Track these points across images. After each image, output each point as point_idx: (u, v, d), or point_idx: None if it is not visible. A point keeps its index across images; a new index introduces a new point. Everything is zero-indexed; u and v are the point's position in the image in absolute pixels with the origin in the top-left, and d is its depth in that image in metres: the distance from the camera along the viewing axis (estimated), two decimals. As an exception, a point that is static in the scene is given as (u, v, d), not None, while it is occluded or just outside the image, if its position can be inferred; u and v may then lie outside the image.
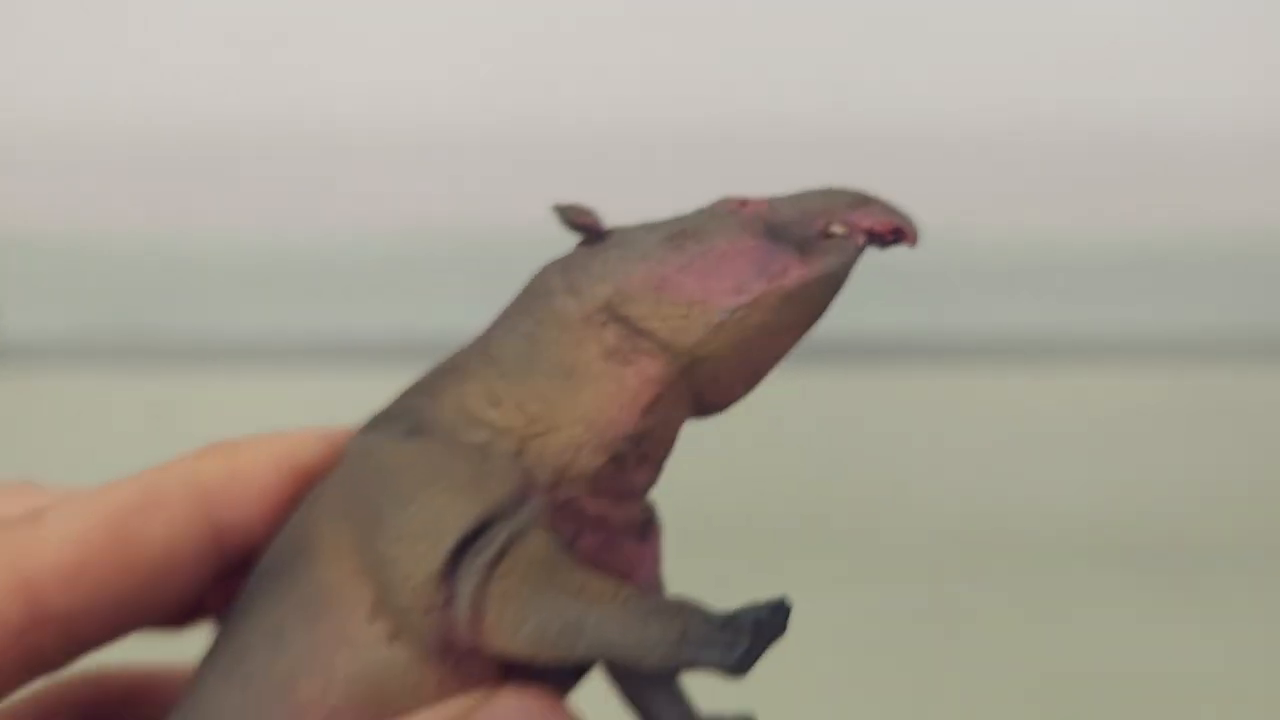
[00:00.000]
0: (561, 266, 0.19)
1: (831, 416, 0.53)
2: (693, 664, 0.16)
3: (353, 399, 0.74)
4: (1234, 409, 0.66)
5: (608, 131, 0.83)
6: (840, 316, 0.84)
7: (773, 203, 0.18)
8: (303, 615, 0.17)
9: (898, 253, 0.79)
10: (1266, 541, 0.56)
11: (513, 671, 0.17)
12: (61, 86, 0.83)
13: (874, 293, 0.83)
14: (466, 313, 0.80)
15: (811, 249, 0.18)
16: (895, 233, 0.18)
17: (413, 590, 0.17)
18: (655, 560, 0.18)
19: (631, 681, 0.19)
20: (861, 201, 0.18)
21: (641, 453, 0.18)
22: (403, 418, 0.18)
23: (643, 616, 0.16)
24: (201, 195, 0.84)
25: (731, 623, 0.16)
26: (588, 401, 0.17)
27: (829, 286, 0.18)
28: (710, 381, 0.18)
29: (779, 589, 0.49)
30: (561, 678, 0.18)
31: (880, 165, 0.83)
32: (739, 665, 0.16)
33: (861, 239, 0.18)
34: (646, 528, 0.18)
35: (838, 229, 0.18)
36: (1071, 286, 0.82)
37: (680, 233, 0.18)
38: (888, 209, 0.18)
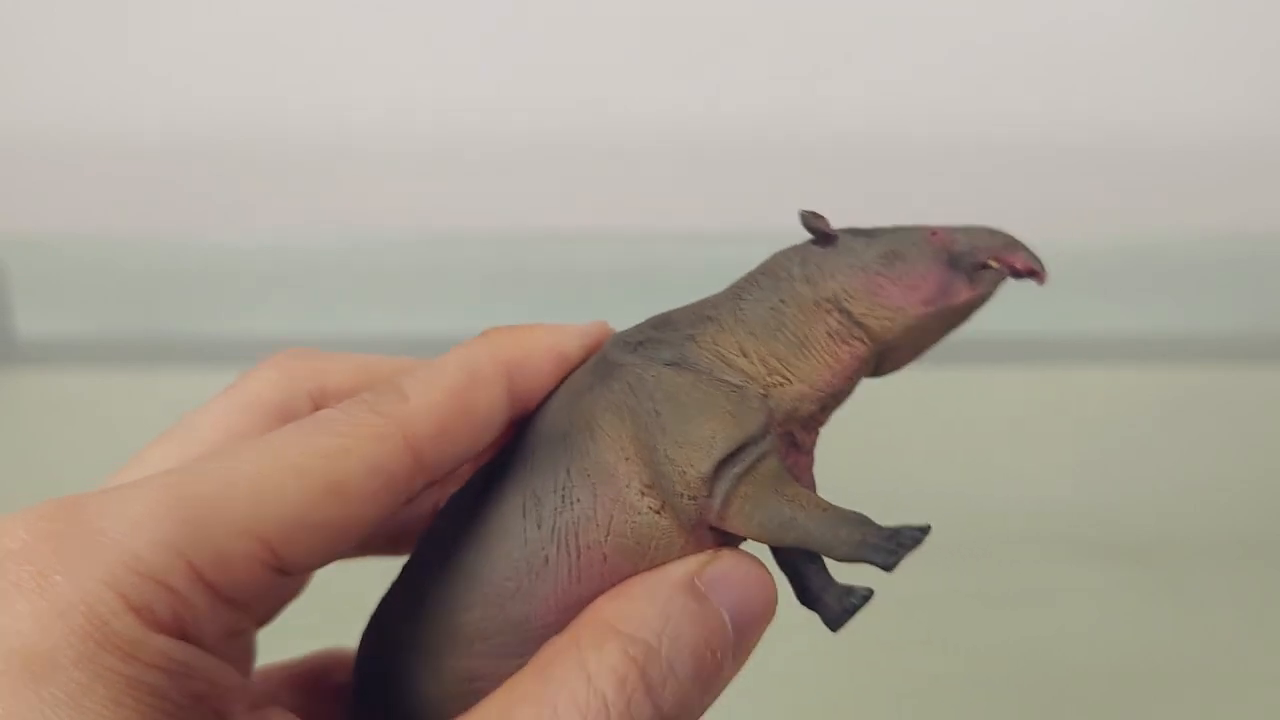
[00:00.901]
0: (800, 258, 0.25)
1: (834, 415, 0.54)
2: (863, 561, 0.22)
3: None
4: (1223, 408, 0.67)
5: (612, 133, 0.83)
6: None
7: (953, 234, 0.24)
8: (586, 481, 0.23)
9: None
10: (1250, 537, 0.57)
11: (730, 544, 0.24)
12: (77, 91, 0.83)
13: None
14: (479, 315, 0.80)
15: (974, 276, 0.24)
16: (1031, 273, 0.25)
17: (686, 482, 0.23)
18: (812, 470, 0.25)
19: (795, 559, 0.25)
20: (1013, 245, 0.25)
21: (835, 404, 0.25)
22: (664, 347, 0.24)
23: (836, 523, 0.22)
24: (217, 198, 0.85)
25: (895, 535, 0.22)
26: (813, 367, 0.24)
27: (979, 304, 0.25)
28: (889, 359, 0.25)
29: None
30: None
31: (880, 166, 0.84)
32: (892, 567, 0.22)
33: (1007, 273, 0.25)
34: (812, 449, 0.25)
35: (993, 264, 0.25)
36: (1065, 288, 0.82)
37: (891, 253, 0.24)
38: (1030, 254, 0.25)
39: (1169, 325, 0.79)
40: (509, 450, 0.25)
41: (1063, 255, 0.82)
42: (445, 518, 0.25)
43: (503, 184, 0.84)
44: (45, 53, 0.82)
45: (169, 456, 0.25)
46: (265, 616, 0.27)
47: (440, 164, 0.84)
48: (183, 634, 0.21)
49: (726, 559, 0.24)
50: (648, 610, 0.23)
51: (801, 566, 0.25)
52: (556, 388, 0.26)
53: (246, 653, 0.26)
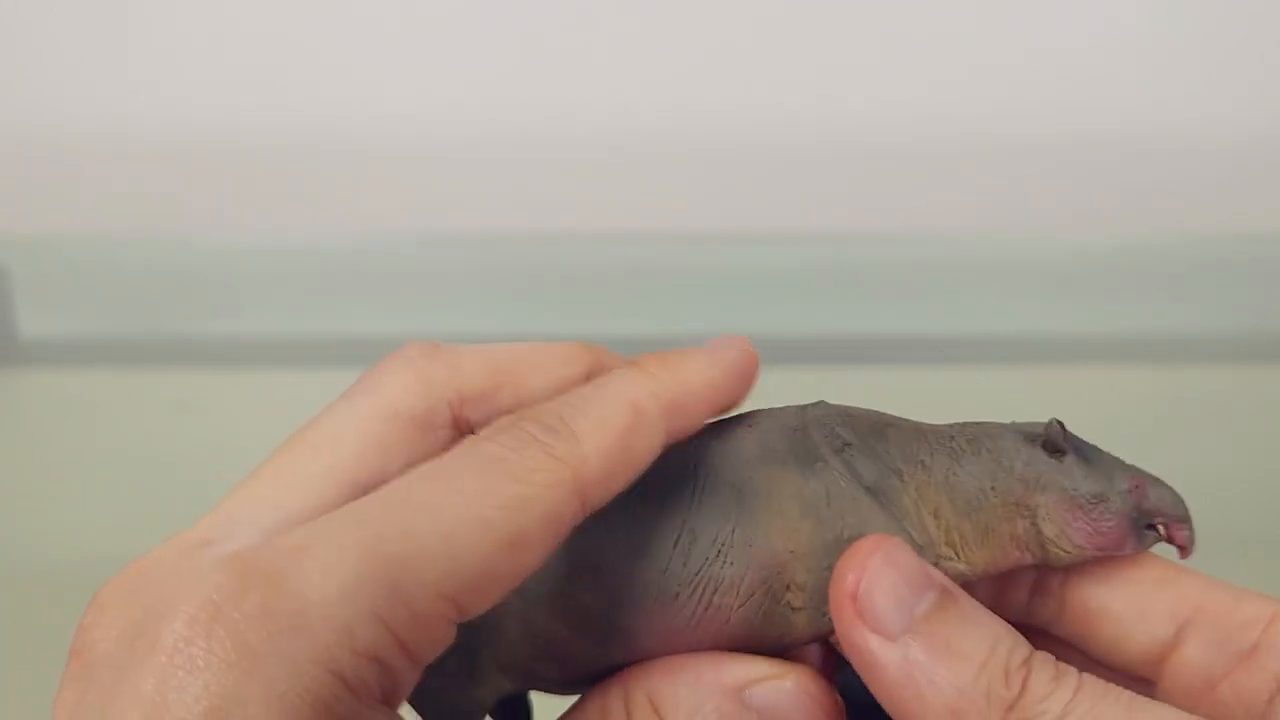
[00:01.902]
0: (1026, 458, 0.26)
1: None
2: None
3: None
4: (1223, 408, 0.67)
5: (613, 134, 0.83)
6: (842, 318, 0.84)
7: (1147, 491, 0.26)
8: (746, 552, 0.24)
9: (897, 254, 0.79)
10: (1250, 536, 0.57)
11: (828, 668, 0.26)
12: (78, 92, 0.83)
13: (878, 294, 0.83)
14: (482, 317, 0.80)
15: (1142, 533, 0.26)
16: (1180, 548, 0.26)
17: (820, 587, 0.24)
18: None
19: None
20: (1183, 520, 0.26)
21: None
22: (870, 464, 0.25)
23: None
24: (218, 199, 0.85)
25: None
26: (982, 557, 0.25)
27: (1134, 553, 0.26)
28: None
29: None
30: None
31: (880, 166, 0.84)
32: None
33: (1163, 538, 0.26)
34: None
35: (1160, 528, 0.26)
36: (1064, 289, 0.82)
37: (1099, 495, 0.25)
38: (1191, 533, 0.26)
39: (1169, 325, 0.79)
40: (674, 457, 0.25)
41: (1063, 255, 0.82)
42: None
43: (503, 184, 0.84)
44: (46, 54, 0.82)
45: (321, 472, 0.24)
46: None
47: (440, 164, 0.84)
48: (389, 703, 0.21)
49: (793, 680, 0.24)
50: (687, 700, 0.23)
51: (859, 698, 0.26)
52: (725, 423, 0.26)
53: None
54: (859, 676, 0.25)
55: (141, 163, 0.83)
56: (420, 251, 0.84)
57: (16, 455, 0.68)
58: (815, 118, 0.83)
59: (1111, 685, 0.23)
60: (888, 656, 0.23)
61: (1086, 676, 0.23)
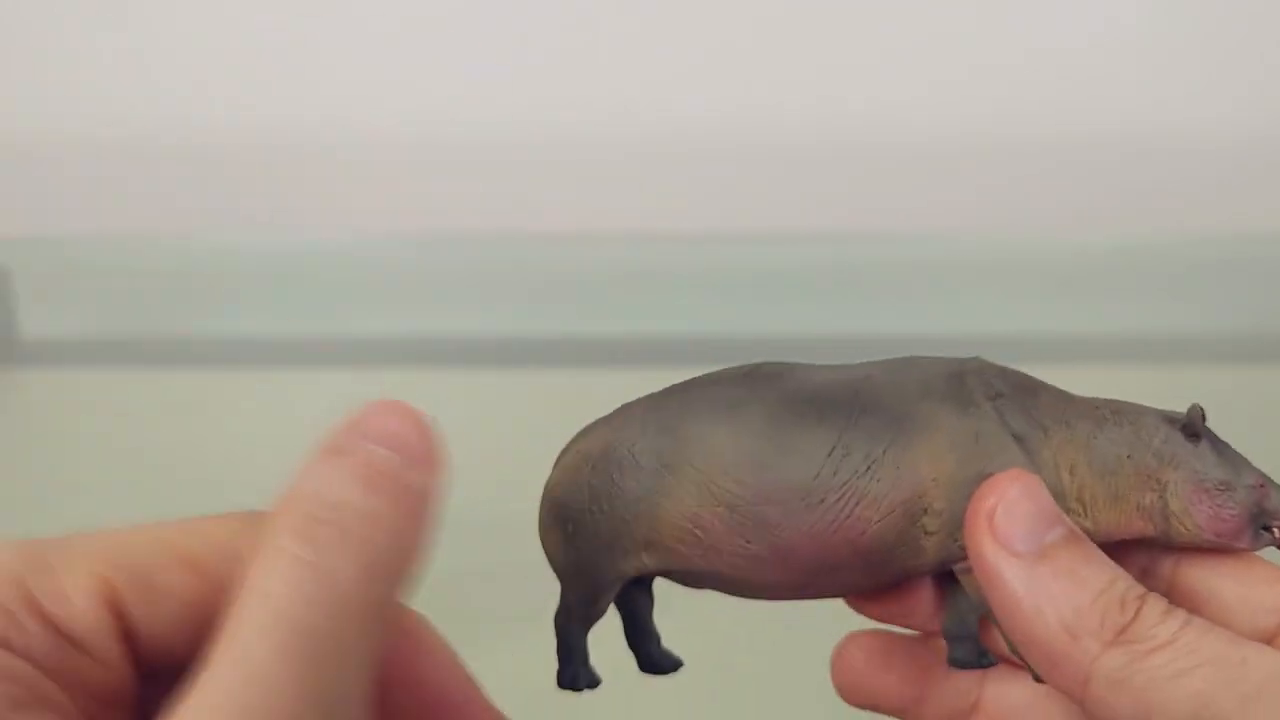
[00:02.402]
0: (1165, 435, 0.28)
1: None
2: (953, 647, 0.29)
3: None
4: (1223, 408, 0.67)
5: (614, 135, 0.83)
6: (842, 318, 0.84)
7: (1269, 492, 0.27)
8: (895, 471, 0.27)
9: (897, 254, 0.79)
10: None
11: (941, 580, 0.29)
12: (79, 94, 0.83)
13: (878, 294, 0.83)
14: (482, 317, 0.80)
15: (1258, 534, 0.27)
16: None
17: (955, 516, 0.26)
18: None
19: (966, 621, 0.29)
20: None
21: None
22: (1020, 417, 0.27)
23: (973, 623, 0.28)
24: (219, 200, 0.85)
25: (982, 654, 0.28)
26: (1109, 519, 0.27)
27: (1240, 553, 0.28)
28: (1150, 542, 0.28)
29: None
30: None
31: (879, 167, 0.84)
32: (954, 664, 0.29)
33: (1274, 541, 0.28)
34: None
35: (1275, 531, 0.28)
36: (1064, 289, 0.82)
37: (1227, 483, 0.27)
38: None
39: (1169, 325, 0.79)
40: (843, 379, 0.28)
41: (1063, 255, 0.82)
42: (743, 380, 0.28)
43: (503, 185, 0.84)
44: (48, 56, 0.82)
45: None
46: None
47: (440, 165, 0.84)
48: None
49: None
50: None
51: (969, 616, 0.29)
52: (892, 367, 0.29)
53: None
54: (963, 623, 0.28)
55: (143, 164, 0.83)
56: (420, 252, 0.84)
57: (18, 454, 0.68)
58: (815, 118, 0.83)
59: (1216, 625, 0.24)
60: (1014, 572, 0.25)
61: (1194, 616, 0.25)
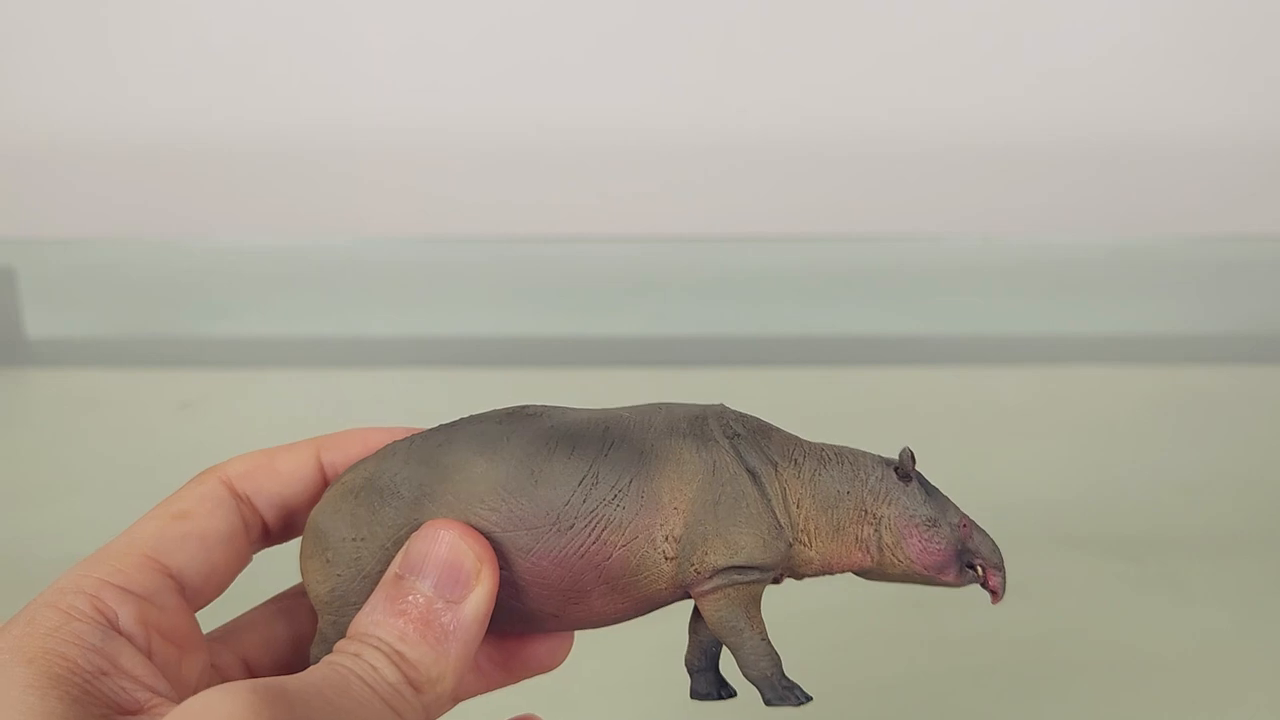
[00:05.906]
0: (880, 475, 0.31)
1: (832, 413, 0.54)
2: (756, 686, 0.30)
3: (373, 401, 0.74)
4: (1222, 407, 0.67)
5: (617, 140, 0.83)
6: (842, 318, 0.84)
7: (972, 533, 0.31)
8: (639, 500, 0.29)
9: (897, 254, 0.79)
10: (1243, 533, 0.57)
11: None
12: (81, 97, 0.83)
13: (878, 294, 0.83)
14: (482, 317, 0.80)
15: (963, 571, 0.31)
16: (992, 591, 0.31)
17: (700, 559, 0.29)
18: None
19: (712, 645, 0.31)
20: (999, 568, 0.31)
21: (820, 575, 0.31)
22: (753, 454, 0.30)
23: (763, 654, 0.29)
24: (220, 201, 0.85)
25: (789, 688, 0.29)
26: (831, 549, 0.30)
27: (948, 587, 0.31)
28: (867, 574, 0.31)
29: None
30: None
31: (879, 168, 0.84)
32: (769, 704, 0.30)
33: (979, 581, 0.31)
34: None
35: (978, 569, 0.31)
36: (1064, 289, 0.82)
37: (933, 520, 0.30)
38: (1003, 580, 0.31)
39: (1169, 325, 0.79)
40: (595, 420, 0.30)
41: (1063, 255, 0.82)
42: (506, 419, 0.31)
43: (503, 187, 0.84)
44: (50, 59, 0.82)
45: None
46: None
47: (440, 167, 0.84)
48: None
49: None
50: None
51: (711, 649, 0.32)
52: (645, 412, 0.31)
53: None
54: (704, 655, 0.31)
55: (144, 167, 0.83)
56: (420, 252, 0.84)
57: (22, 453, 0.68)
58: (816, 120, 0.83)
59: None
60: None
61: None
